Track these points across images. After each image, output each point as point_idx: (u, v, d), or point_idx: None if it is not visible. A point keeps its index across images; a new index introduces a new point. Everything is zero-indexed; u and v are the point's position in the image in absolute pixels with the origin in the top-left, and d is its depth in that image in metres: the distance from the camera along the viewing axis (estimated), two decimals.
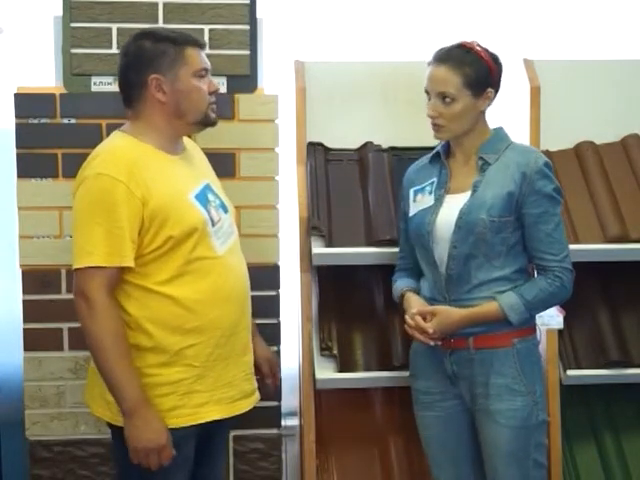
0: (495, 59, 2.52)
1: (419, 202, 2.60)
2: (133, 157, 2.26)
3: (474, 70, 2.46)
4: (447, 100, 2.47)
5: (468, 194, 2.50)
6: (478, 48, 2.49)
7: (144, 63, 2.28)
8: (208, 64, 2.38)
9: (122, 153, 2.27)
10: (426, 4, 3.48)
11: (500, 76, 2.54)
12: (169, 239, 2.24)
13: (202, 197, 2.35)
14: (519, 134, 3.07)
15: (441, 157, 2.60)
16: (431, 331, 2.47)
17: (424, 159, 2.69)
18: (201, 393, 2.32)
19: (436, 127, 2.52)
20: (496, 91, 2.53)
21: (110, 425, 2.37)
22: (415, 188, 2.63)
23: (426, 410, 2.63)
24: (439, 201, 2.55)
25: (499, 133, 2.57)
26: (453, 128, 2.51)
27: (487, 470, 2.56)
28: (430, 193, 2.58)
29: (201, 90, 2.34)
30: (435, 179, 2.59)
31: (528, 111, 3.10)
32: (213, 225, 2.34)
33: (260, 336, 2.61)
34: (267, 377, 2.63)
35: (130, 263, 2.22)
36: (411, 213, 2.61)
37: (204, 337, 2.30)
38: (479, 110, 2.50)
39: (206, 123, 2.40)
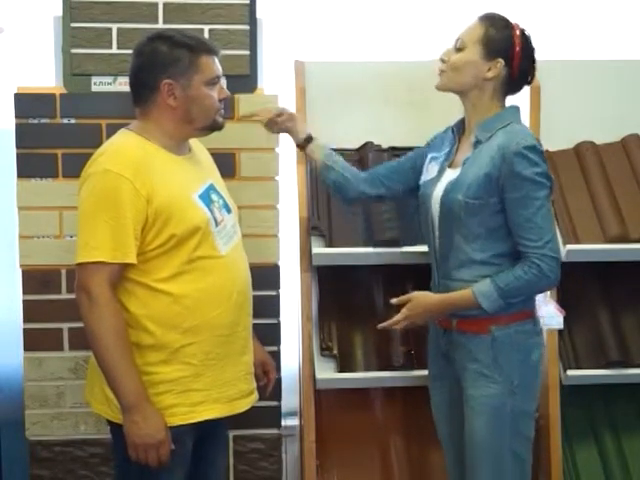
0: (526, 46, 2.50)
1: (429, 171, 2.62)
2: (139, 155, 2.27)
3: (497, 33, 2.47)
4: (458, 46, 2.49)
5: (459, 170, 2.51)
6: (517, 25, 2.50)
7: (158, 67, 2.29)
8: (220, 71, 2.40)
9: (129, 151, 2.28)
10: (426, 4, 3.48)
11: (522, 64, 2.49)
12: (172, 237, 2.25)
13: (206, 197, 2.36)
14: None
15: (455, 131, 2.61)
16: (398, 319, 2.52)
17: (449, 128, 2.68)
18: (198, 392, 2.32)
19: (439, 72, 2.52)
20: (511, 74, 2.49)
21: (109, 422, 2.37)
22: (432, 154, 2.65)
23: (434, 395, 2.67)
24: (440, 174, 2.55)
25: (504, 113, 2.52)
26: (450, 77, 2.50)
27: (466, 458, 2.53)
28: (437, 164, 2.60)
29: (212, 98, 2.35)
30: (447, 150, 2.60)
31: (528, 111, 3.10)
32: (216, 225, 2.35)
33: (256, 337, 2.60)
34: (260, 379, 2.63)
35: (133, 260, 2.23)
36: (421, 180, 2.64)
37: (203, 336, 2.31)
38: (483, 76, 2.47)
39: (214, 128, 2.42)
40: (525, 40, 2.51)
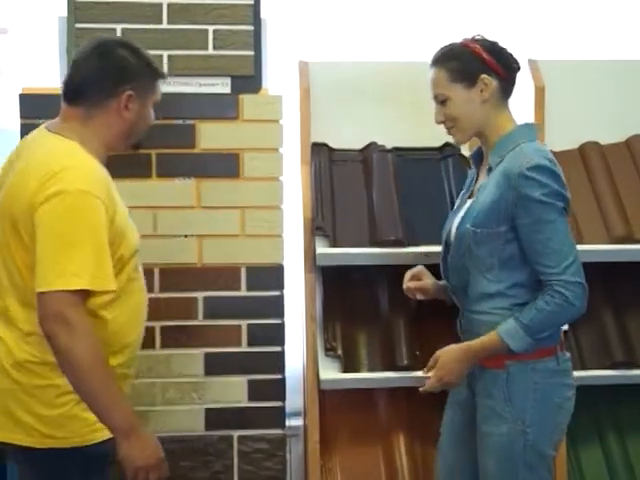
0: (490, 46, 2.39)
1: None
2: (103, 174, 2.19)
3: (459, 61, 2.37)
4: (443, 101, 2.41)
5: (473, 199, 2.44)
6: (466, 40, 2.41)
7: (125, 75, 2.23)
8: None
9: (95, 169, 2.17)
10: (430, 4, 3.47)
11: (501, 62, 2.39)
12: (120, 259, 2.18)
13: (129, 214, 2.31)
14: None
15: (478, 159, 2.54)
16: (432, 383, 2.42)
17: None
18: None
19: (448, 132, 2.46)
20: (501, 78, 2.39)
21: (23, 449, 2.19)
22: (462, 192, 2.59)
23: (449, 407, 2.60)
24: (460, 206, 2.49)
25: (514, 133, 2.39)
26: (462, 127, 2.42)
27: None
28: (459, 197, 2.56)
29: (152, 120, 2.33)
30: (469, 182, 2.55)
31: (533, 111, 3.10)
32: None
33: None
34: None
35: (114, 287, 2.13)
36: None
37: (124, 358, 2.25)
38: (480, 101, 2.38)
39: (134, 147, 2.40)
40: (484, 43, 2.40)
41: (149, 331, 2.95)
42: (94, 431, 2.18)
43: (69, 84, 2.27)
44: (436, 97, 2.43)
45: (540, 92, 3.09)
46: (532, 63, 3.15)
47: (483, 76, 2.37)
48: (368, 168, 3.14)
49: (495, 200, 2.31)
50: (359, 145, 3.20)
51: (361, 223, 3.04)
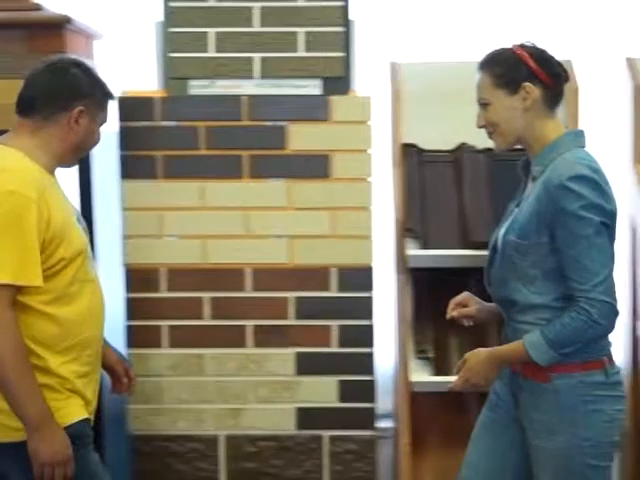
0: (538, 54, 2.32)
1: None
2: (39, 178, 2.25)
3: (504, 67, 2.31)
4: (485, 105, 2.35)
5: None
6: (515, 46, 2.34)
7: (78, 92, 2.30)
8: None
9: (30, 172, 2.24)
10: (523, 4, 3.42)
11: (548, 70, 2.31)
12: (61, 260, 2.24)
13: (78, 221, 2.37)
14: (621, 135, 2.99)
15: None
16: (457, 384, 2.40)
17: None
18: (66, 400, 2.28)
19: (489, 136, 2.40)
20: (546, 86, 2.31)
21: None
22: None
23: (487, 410, 2.53)
24: (507, 217, 2.43)
25: (558, 141, 2.31)
26: (502, 132, 2.35)
27: None
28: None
29: (99, 137, 2.39)
30: (520, 191, 2.49)
31: (631, 111, 3.00)
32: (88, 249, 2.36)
33: (106, 340, 2.51)
34: (122, 376, 2.56)
35: (40, 283, 2.20)
36: None
37: (72, 355, 2.28)
38: (522, 109, 2.31)
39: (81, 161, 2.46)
40: (532, 50, 2.33)
41: (240, 330, 3.03)
42: (66, 416, 2.23)
43: (22, 98, 2.34)
44: (479, 101, 2.38)
45: (639, 91, 3.01)
46: (630, 61, 3.06)
47: (526, 84, 2.31)
48: (459, 169, 3.11)
49: (535, 211, 2.27)
50: (450, 146, 3.17)
51: (452, 225, 3.01)
